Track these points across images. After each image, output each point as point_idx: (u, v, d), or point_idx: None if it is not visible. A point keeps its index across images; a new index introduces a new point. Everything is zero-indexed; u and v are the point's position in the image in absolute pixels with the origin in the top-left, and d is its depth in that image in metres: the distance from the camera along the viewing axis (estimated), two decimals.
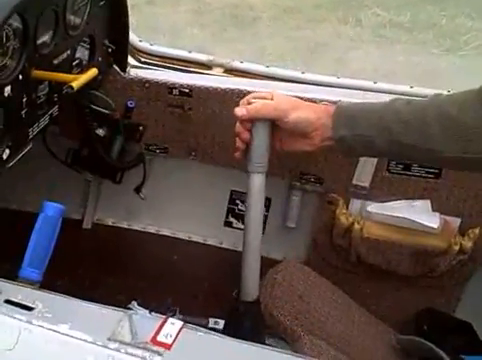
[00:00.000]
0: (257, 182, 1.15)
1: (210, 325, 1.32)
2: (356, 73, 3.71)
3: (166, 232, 1.75)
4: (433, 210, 1.51)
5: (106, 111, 1.46)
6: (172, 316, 1.25)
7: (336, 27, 4.58)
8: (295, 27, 4.58)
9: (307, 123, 1.10)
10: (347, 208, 1.56)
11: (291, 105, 1.11)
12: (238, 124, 1.11)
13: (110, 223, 1.77)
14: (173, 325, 0.77)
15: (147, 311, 0.80)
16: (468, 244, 1.50)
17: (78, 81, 1.07)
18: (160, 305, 1.60)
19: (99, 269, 1.68)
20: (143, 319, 0.78)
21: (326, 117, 1.10)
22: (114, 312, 0.79)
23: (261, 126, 1.10)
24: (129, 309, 0.84)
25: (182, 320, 1.24)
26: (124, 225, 1.77)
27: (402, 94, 1.54)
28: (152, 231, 1.75)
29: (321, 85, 1.55)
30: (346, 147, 1.10)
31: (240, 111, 1.09)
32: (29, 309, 0.78)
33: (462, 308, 1.63)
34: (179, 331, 0.76)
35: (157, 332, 0.75)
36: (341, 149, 1.11)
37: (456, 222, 1.53)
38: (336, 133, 1.09)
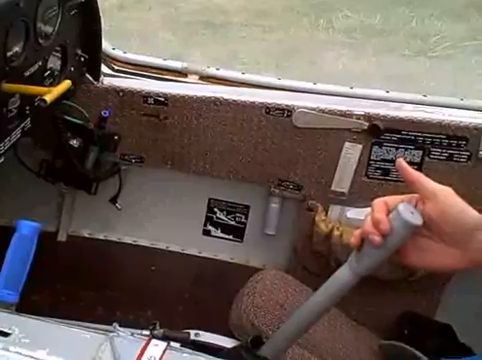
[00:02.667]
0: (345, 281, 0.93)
1: (191, 337, 1.30)
2: (329, 75, 3.73)
3: (144, 242, 1.73)
4: None
5: (80, 121, 1.43)
6: (153, 330, 1.24)
7: (308, 30, 4.59)
8: (267, 30, 4.57)
9: (469, 218, 0.82)
10: (326, 214, 1.56)
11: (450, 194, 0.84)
12: (379, 207, 0.85)
13: (86, 235, 1.74)
14: (156, 346, 0.74)
15: (129, 332, 0.77)
16: None
17: (51, 94, 1.05)
18: (140, 318, 1.59)
19: (76, 282, 1.65)
20: (125, 342, 0.75)
21: None
22: (95, 335, 0.76)
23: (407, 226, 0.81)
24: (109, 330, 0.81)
25: (163, 335, 1.22)
26: (100, 236, 1.74)
27: (378, 99, 1.55)
28: (129, 242, 1.72)
29: (297, 91, 1.55)
30: None
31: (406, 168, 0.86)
32: (5, 335, 0.75)
33: (442, 311, 1.64)
34: (163, 353, 0.74)
35: (140, 355, 0.73)
36: None
37: None
38: None
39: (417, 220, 0.84)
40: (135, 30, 4.27)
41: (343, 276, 0.95)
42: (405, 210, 0.84)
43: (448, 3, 4.89)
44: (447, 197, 0.85)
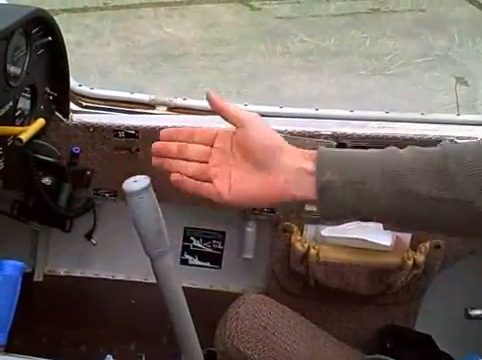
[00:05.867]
0: (162, 265, 0.94)
1: None
2: (290, 99, 3.80)
3: (121, 276, 1.71)
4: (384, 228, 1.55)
5: (51, 159, 1.43)
6: None
7: (265, 56, 4.67)
8: (225, 58, 4.64)
9: (272, 140, 0.85)
10: (302, 234, 1.58)
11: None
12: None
13: (62, 273, 1.72)
14: None
15: None
16: (420, 258, 1.55)
17: (26, 133, 1.05)
18: (124, 352, 1.57)
19: (56, 322, 1.62)
20: None
21: (304, 160, 0.83)
22: None
23: (145, 196, 0.89)
24: None
25: None
26: (77, 274, 1.72)
27: (344, 118, 1.59)
28: (107, 277, 1.71)
29: (265, 115, 1.57)
30: (330, 199, 0.80)
31: (213, 98, 0.87)
32: None
33: (421, 321, 1.67)
34: None
35: None
36: (323, 202, 0.80)
37: (407, 238, 1.57)
38: (320, 177, 0.80)
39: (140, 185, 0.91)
40: (94, 65, 4.28)
41: (158, 265, 0.95)
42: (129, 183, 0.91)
43: (398, 23, 5.06)
44: (252, 121, 0.87)
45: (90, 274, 1.72)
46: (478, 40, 4.69)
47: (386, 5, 5.24)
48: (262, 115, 1.57)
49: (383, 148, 1.47)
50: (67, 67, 1.36)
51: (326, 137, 1.47)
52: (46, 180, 1.45)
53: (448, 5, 5.24)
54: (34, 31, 1.22)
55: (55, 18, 1.29)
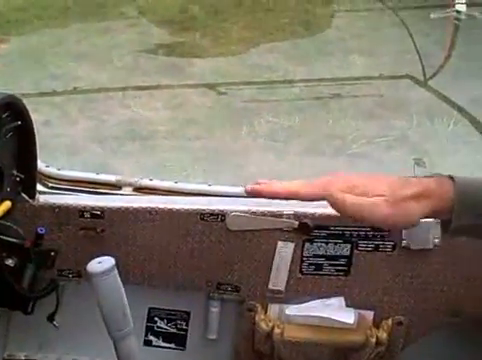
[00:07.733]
0: (125, 347, 0.96)
1: None
2: (256, 177, 3.86)
3: None
4: (347, 306, 1.57)
5: (15, 240, 1.43)
6: None
7: (232, 135, 4.78)
8: (193, 138, 4.73)
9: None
10: (266, 313, 1.59)
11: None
12: None
13: (22, 357, 1.67)
14: None
15: None
16: (383, 335, 1.57)
17: None
18: None
19: None
20: None
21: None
22: None
23: (109, 277, 0.95)
24: None
25: None
26: (38, 357, 1.67)
27: None
28: None
29: (229, 196, 1.62)
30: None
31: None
32: None
33: None
34: None
35: None
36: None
37: (370, 315, 1.59)
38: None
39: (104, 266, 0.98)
40: (62, 145, 4.32)
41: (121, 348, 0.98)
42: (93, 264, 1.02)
43: (360, 104, 5.27)
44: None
45: (51, 358, 1.68)
46: (436, 121, 4.89)
47: (346, 90, 5.46)
48: (226, 195, 1.63)
49: (344, 227, 1.53)
50: (35, 149, 1.39)
51: (288, 216, 1.51)
52: (9, 262, 1.44)
53: (404, 88, 5.49)
54: (4, 115, 1.25)
55: (24, 99, 1.33)
